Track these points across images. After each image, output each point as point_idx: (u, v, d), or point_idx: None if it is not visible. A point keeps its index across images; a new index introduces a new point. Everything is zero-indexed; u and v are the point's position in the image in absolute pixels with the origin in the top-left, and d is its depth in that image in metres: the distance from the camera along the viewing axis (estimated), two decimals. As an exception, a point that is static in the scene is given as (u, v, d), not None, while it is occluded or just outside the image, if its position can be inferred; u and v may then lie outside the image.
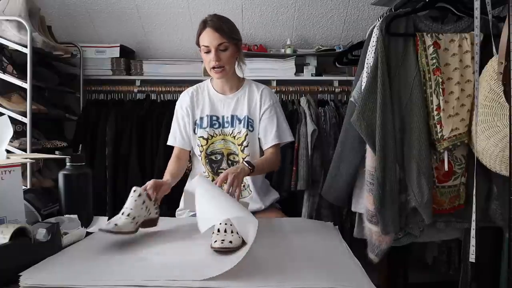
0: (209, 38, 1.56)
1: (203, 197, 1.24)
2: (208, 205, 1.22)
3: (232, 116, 1.67)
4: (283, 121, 1.71)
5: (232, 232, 1.12)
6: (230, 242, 1.09)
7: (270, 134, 1.67)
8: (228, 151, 1.67)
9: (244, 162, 1.49)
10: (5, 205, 1.12)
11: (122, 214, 1.20)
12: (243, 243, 1.11)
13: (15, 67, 2.16)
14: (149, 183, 1.36)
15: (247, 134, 1.64)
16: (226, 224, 1.13)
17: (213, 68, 1.59)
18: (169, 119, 1.81)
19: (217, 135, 1.67)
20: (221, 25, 1.57)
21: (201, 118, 1.68)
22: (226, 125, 1.67)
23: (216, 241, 1.09)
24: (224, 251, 1.07)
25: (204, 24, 1.59)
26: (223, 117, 1.68)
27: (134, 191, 1.26)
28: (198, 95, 1.72)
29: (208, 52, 1.58)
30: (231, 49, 1.60)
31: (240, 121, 1.66)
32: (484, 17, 1.48)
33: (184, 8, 2.52)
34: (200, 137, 1.67)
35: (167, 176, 1.57)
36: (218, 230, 1.12)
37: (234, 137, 1.66)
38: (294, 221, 1.59)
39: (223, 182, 1.36)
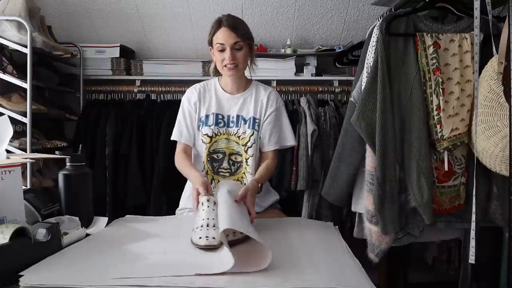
0: (224, 36, 1.57)
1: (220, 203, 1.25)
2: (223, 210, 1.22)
3: (238, 116, 1.67)
4: (287, 125, 1.72)
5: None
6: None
7: (272, 138, 1.68)
8: (230, 151, 1.67)
9: (253, 181, 1.49)
10: (5, 205, 1.12)
11: (214, 226, 1.18)
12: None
13: (15, 67, 2.15)
14: (204, 187, 1.36)
15: (252, 135, 1.64)
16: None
17: (226, 66, 1.60)
18: (169, 119, 1.80)
19: (221, 134, 1.67)
20: (236, 25, 1.59)
21: (207, 116, 1.67)
22: (231, 124, 1.67)
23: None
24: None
25: (219, 23, 1.59)
26: (228, 116, 1.68)
27: (208, 200, 1.27)
28: (205, 92, 1.71)
29: (222, 50, 1.58)
30: (245, 49, 1.61)
31: (245, 121, 1.66)
32: (484, 17, 1.48)
33: (184, 8, 2.51)
34: (205, 134, 1.66)
35: (195, 172, 1.54)
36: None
37: (239, 137, 1.66)
38: (294, 221, 1.59)
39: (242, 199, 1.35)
